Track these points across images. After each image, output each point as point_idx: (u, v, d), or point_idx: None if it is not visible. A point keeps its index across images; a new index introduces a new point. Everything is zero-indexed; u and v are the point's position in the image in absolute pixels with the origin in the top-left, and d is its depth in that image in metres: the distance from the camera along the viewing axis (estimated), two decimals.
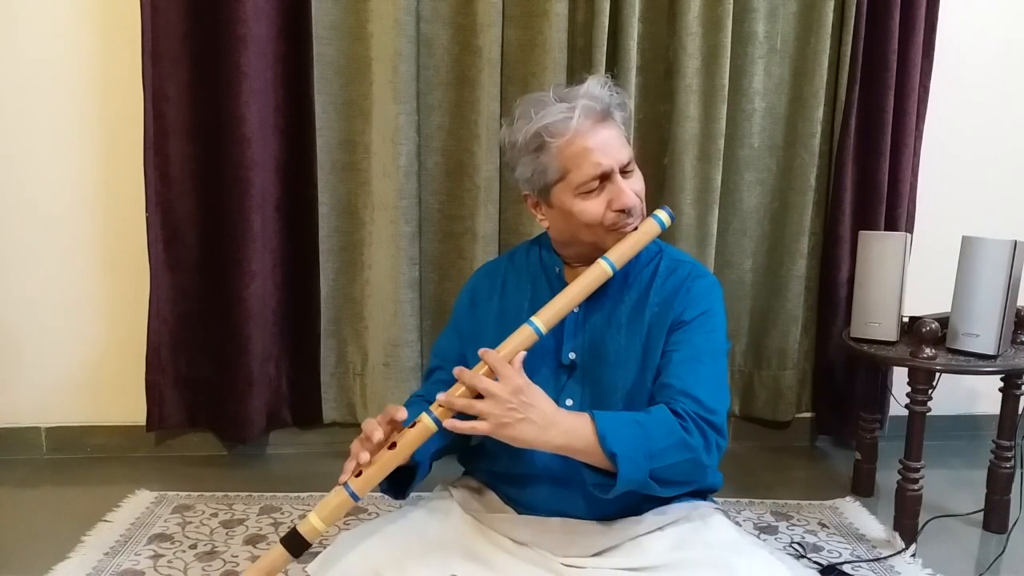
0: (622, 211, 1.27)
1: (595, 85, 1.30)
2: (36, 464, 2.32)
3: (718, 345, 1.31)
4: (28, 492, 2.16)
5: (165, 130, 2.15)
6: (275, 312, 2.30)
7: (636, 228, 1.28)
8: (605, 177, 1.26)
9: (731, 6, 2.21)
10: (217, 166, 2.16)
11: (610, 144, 1.27)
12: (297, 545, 1.17)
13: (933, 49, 2.32)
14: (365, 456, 1.16)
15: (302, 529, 1.17)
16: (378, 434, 1.17)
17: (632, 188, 1.28)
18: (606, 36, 2.18)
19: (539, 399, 1.17)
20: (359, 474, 1.18)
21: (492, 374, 1.16)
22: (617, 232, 1.28)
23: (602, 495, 1.20)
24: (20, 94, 2.22)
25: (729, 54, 2.25)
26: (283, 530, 1.92)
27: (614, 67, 2.21)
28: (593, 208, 1.27)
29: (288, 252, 2.30)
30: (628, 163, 1.29)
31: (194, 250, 2.24)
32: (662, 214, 1.29)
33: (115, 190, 2.26)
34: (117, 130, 2.23)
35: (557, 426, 1.16)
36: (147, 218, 2.18)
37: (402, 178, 2.19)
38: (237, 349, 2.22)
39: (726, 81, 2.25)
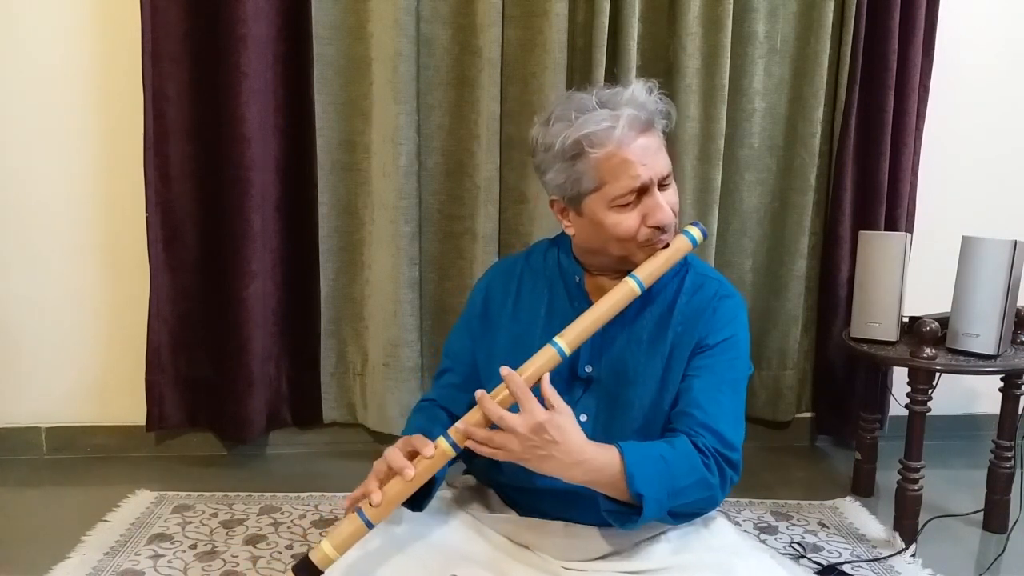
0: (657, 227, 1.22)
1: (641, 91, 1.24)
2: (36, 464, 2.32)
3: (740, 373, 1.29)
4: (28, 492, 2.16)
5: (165, 130, 2.15)
6: (275, 312, 2.30)
7: (667, 245, 1.24)
8: (643, 190, 1.21)
9: (731, 6, 2.21)
10: (217, 166, 2.16)
11: (651, 156, 1.21)
12: (309, 573, 1.14)
13: (933, 49, 2.32)
14: (377, 497, 1.12)
15: (314, 557, 1.13)
16: (409, 472, 1.12)
17: (668, 201, 1.23)
18: (606, 36, 2.18)
19: (565, 433, 1.12)
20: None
21: (512, 398, 1.13)
22: (649, 248, 1.23)
23: (618, 525, 1.18)
24: (20, 94, 2.21)
25: (729, 54, 2.24)
26: (283, 530, 1.92)
27: (614, 67, 2.21)
28: (628, 222, 1.22)
29: (288, 252, 2.30)
30: (667, 176, 1.24)
31: (194, 250, 2.24)
32: (694, 231, 1.24)
33: (115, 190, 2.26)
34: (117, 130, 2.23)
35: (583, 465, 1.12)
36: (147, 218, 2.17)
37: (402, 178, 2.19)
38: (237, 349, 2.22)
39: (726, 81, 2.25)
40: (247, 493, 2.13)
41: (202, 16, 2.11)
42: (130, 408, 2.32)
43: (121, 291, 2.31)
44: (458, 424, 1.14)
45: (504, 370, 1.13)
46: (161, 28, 2.11)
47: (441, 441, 1.15)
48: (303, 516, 1.99)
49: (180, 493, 2.12)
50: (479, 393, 1.14)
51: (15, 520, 2.00)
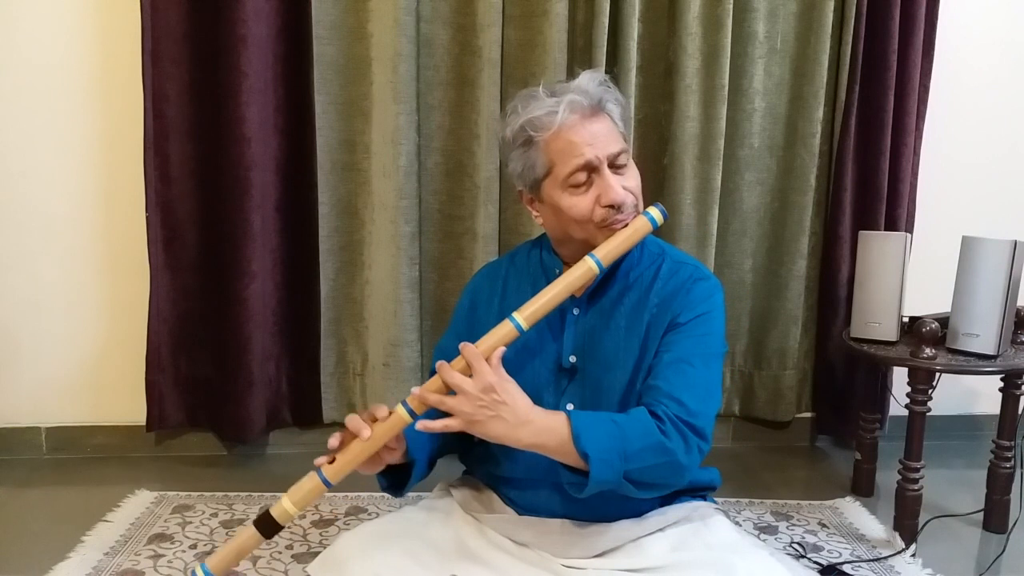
0: (611, 206, 1.24)
1: (587, 80, 1.28)
2: (36, 464, 2.32)
3: (711, 349, 1.29)
4: (28, 492, 2.16)
5: (165, 130, 2.15)
6: (275, 312, 2.30)
7: (627, 225, 1.26)
8: (592, 170, 1.24)
9: (731, 6, 2.21)
10: (217, 166, 2.16)
11: (597, 137, 1.24)
12: (269, 527, 1.19)
13: (933, 49, 2.32)
14: (334, 441, 1.18)
15: (275, 512, 1.19)
16: (365, 432, 1.17)
17: (624, 184, 1.26)
18: (606, 36, 2.18)
19: (513, 396, 1.16)
20: (332, 461, 1.18)
21: (468, 369, 1.16)
22: (608, 229, 1.26)
23: (576, 494, 1.19)
24: (20, 95, 2.22)
25: (729, 54, 2.25)
26: (283, 529, 1.92)
27: (614, 67, 2.21)
28: (582, 204, 1.25)
29: (288, 252, 2.30)
30: (618, 156, 1.26)
31: (194, 250, 2.24)
32: (654, 211, 1.26)
33: (115, 190, 2.26)
34: (117, 130, 2.23)
35: (529, 424, 1.16)
36: (147, 218, 2.18)
37: (402, 178, 2.19)
38: (237, 349, 2.22)
39: (726, 81, 2.25)
40: (247, 493, 2.13)
41: (202, 16, 2.11)
42: (130, 408, 2.32)
43: (121, 291, 2.31)
44: (414, 390, 1.18)
45: (462, 344, 1.18)
46: (161, 28, 2.11)
47: (399, 407, 1.18)
48: (303, 516, 1.99)
49: (180, 493, 2.12)
50: (439, 363, 1.18)
51: (15, 520, 2.00)
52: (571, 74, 2.19)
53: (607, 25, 2.17)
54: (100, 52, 2.21)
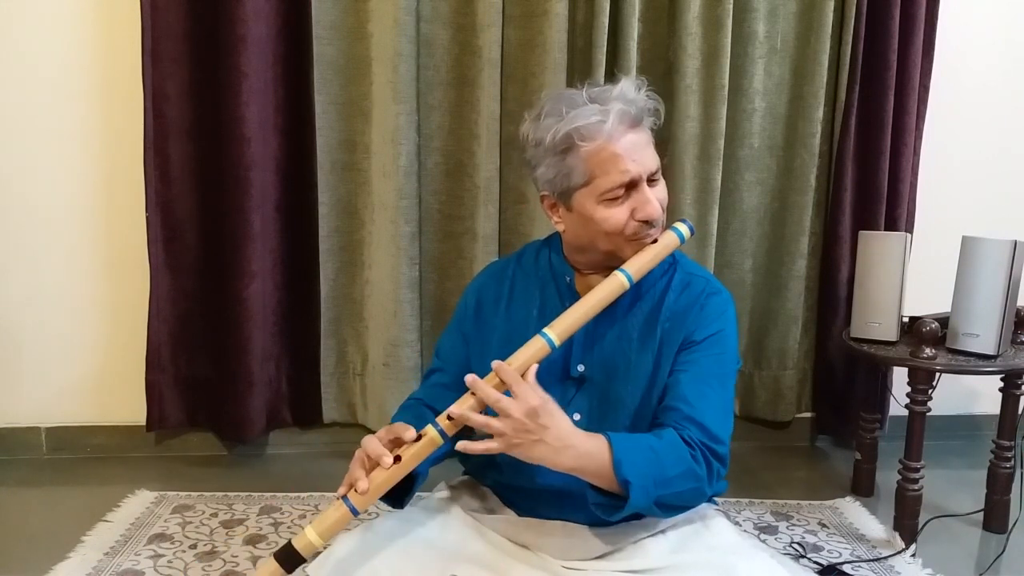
0: (645, 221, 1.23)
1: (630, 87, 1.25)
2: (36, 464, 2.32)
3: (727, 368, 1.29)
4: (28, 492, 2.16)
5: (165, 130, 2.15)
6: (275, 312, 2.30)
7: (656, 240, 1.25)
8: (631, 185, 1.22)
9: (731, 6, 2.21)
10: (217, 166, 2.16)
11: (640, 151, 1.23)
12: (292, 560, 1.14)
13: (933, 49, 2.32)
14: (363, 484, 1.13)
15: (298, 544, 1.14)
16: (387, 459, 1.13)
17: (657, 197, 1.25)
18: (606, 36, 2.18)
19: (556, 419, 1.14)
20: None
21: (503, 387, 1.14)
22: (637, 242, 1.25)
23: (604, 516, 1.18)
24: (20, 94, 2.21)
25: (729, 54, 2.24)
26: (283, 530, 1.92)
27: (614, 67, 2.21)
28: (616, 216, 1.23)
29: (288, 252, 2.30)
30: (656, 171, 1.25)
31: (194, 250, 2.24)
32: (682, 227, 1.26)
33: (115, 190, 2.26)
34: (117, 130, 2.23)
35: (572, 449, 1.13)
36: (147, 218, 2.18)
37: (402, 178, 2.19)
38: (237, 349, 2.22)
39: (726, 81, 2.25)
40: (247, 493, 2.13)
41: (202, 16, 2.11)
42: (130, 408, 2.32)
43: (121, 291, 2.31)
44: (451, 409, 1.14)
45: (495, 363, 1.15)
46: (161, 28, 2.11)
47: (429, 429, 1.15)
48: (303, 516, 2.00)
49: (180, 493, 2.12)
50: (470, 378, 1.14)
51: (15, 520, 2.00)
52: (571, 74, 2.21)
53: (607, 25, 2.17)
54: (100, 52, 2.21)
